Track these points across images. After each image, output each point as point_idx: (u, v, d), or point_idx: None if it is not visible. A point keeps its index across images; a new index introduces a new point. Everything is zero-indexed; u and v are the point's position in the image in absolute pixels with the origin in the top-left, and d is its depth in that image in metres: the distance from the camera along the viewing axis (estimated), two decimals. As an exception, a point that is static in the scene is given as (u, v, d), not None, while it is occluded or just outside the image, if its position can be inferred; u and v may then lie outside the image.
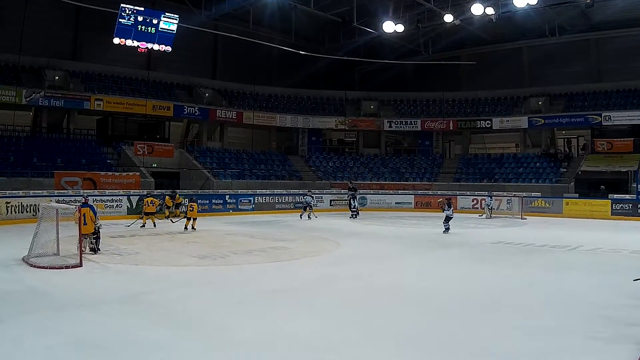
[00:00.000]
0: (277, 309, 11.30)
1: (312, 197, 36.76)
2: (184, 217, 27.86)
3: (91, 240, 17.81)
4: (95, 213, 18.10)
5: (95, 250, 17.87)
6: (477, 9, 37.51)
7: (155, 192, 33.69)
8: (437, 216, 34.99)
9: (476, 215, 37.75)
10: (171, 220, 30.77)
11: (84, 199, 20.44)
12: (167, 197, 33.13)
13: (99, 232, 18.34)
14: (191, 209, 26.64)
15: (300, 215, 35.29)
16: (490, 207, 36.97)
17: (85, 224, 17.07)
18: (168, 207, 32.80)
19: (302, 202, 36.59)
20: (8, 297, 11.88)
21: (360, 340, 9.25)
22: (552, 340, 9.22)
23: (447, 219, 26.97)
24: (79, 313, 10.64)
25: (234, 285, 13.91)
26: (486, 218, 36.03)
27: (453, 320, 10.55)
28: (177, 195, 33.72)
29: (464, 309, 11.50)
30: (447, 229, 26.74)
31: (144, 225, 27.55)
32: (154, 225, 27.52)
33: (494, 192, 39.63)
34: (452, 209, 27.49)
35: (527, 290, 13.43)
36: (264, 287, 13.54)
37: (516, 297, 12.74)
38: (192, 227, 26.24)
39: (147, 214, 28.08)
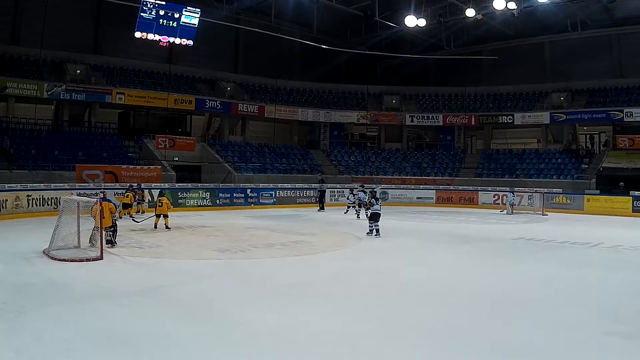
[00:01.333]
0: (297, 303, 11.26)
1: (366, 193, 29.57)
2: (154, 215, 23.68)
3: (108, 233, 17.75)
4: (116, 206, 18.11)
5: (112, 243, 17.86)
6: (499, 4, 37.19)
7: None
8: (458, 212, 34.91)
9: (497, 211, 37.50)
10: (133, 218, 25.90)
11: (102, 193, 20.37)
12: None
13: (116, 225, 18.35)
14: (160, 204, 23.36)
15: (357, 214, 31.13)
16: (511, 203, 36.69)
17: (103, 217, 17.06)
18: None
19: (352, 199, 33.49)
20: (28, 290, 11.91)
21: (379, 336, 9.21)
22: (571, 335, 9.28)
23: (373, 216, 22.64)
24: (99, 306, 10.64)
25: (255, 279, 13.88)
26: (507, 214, 35.74)
27: (472, 316, 10.51)
28: (127, 192, 29.37)
29: (483, 304, 11.47)
30: (371, 231, 22.59)
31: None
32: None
33: (516, 188, 39.37)
34: (379, 202, 22.80)
35: (546, 287, 13.35)
36: (285, 281, 13.52)
37: (536, 293, 12.69)
38: (166, 227, 23.07)
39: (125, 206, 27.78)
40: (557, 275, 14.68)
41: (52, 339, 8.61)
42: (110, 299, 11.13)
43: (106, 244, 17.31)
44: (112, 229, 17.98)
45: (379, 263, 16.51)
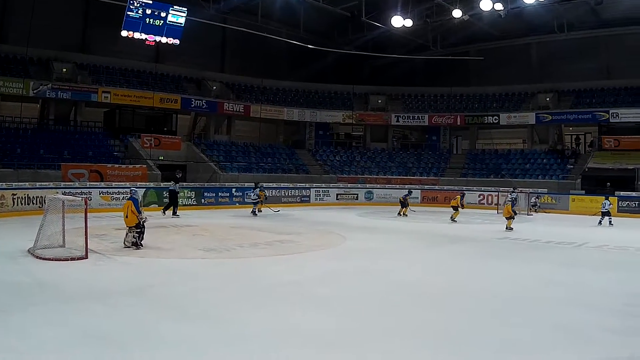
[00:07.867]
0: (285, 303, 11.24)
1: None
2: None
3: (134, 234, 17.75)
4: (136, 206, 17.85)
5: (137, 244, 17.59)
6: (485, 5, 37.53)
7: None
8: (444, 211, 34.95)
9: (482, 211, 37.60)
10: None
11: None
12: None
13: (144, 227, 18.06)
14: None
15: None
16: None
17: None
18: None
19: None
20: (14, 289, 11.83)
21: (372, 335, 9.23)
22: (570, 332, 9.40)
23: None
24: (86, 305, 10.58)
25: (242, 278, 13.86)
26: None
27: (464, 315, 10.54)
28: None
29: (476, 305, 11.45)
30: None
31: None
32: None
33: (501, 188, 39.49)
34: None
35: (538, 286, 13.42)
36: (272, 280, 13.51)
37: (525, 291, 12.73)
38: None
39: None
40: (547, 275, 14.70)
41: (38, 338, 8.55)
42: (97, 298, 11.07)
43: (131, 245, 17.41)
44: (139, 229, 17.71)
45: (367, 262, 16.53)
